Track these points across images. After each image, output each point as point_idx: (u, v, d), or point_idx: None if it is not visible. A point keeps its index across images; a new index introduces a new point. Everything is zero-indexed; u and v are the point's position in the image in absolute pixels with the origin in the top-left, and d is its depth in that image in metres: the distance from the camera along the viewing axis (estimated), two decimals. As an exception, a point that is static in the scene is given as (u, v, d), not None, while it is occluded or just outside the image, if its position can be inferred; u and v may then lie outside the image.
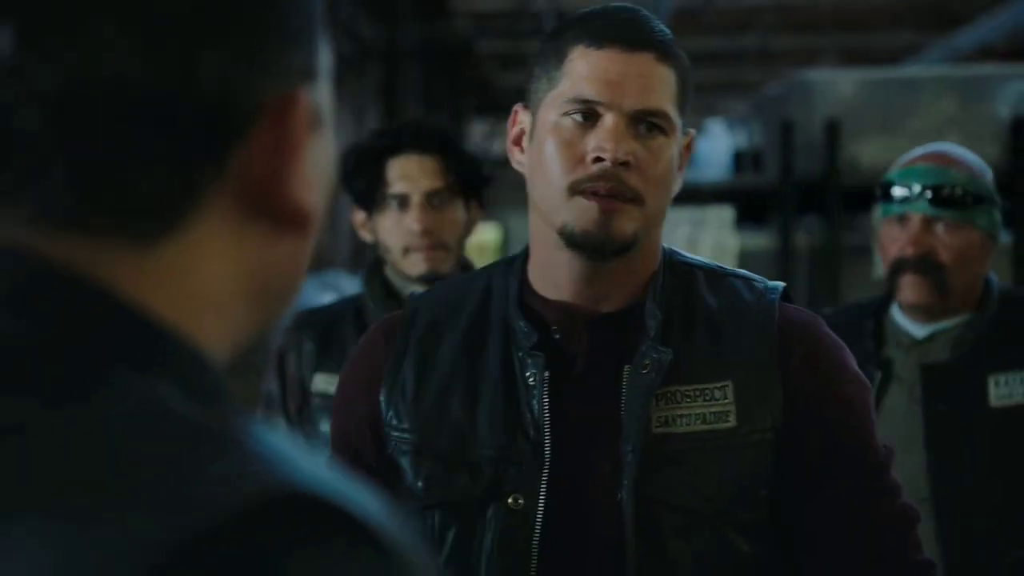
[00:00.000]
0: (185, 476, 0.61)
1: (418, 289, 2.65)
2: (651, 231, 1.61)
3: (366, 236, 2.75)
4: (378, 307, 2.70)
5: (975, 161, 2.60)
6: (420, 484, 1.63)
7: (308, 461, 0.65)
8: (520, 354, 1.62)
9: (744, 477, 1.57)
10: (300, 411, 2.72)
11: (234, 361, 0.75)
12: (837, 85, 6.33)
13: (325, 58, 0.77)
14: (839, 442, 1.61)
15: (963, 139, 4.81)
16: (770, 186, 6.71)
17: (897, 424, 2.51)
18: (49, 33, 0.67)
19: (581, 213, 1.56)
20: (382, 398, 1.66)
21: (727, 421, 1.58)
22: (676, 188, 1.64)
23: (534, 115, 1.63)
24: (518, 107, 1.67)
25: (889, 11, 11.58)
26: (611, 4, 1.65)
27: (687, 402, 1.59)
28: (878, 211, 2.62)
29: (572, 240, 1.58)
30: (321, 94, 0.75)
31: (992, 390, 2.51)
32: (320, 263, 9.73)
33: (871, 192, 2.74)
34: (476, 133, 18.16)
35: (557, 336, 1.63)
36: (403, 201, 2.64)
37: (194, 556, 0.58)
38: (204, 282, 0.71)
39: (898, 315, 2.64)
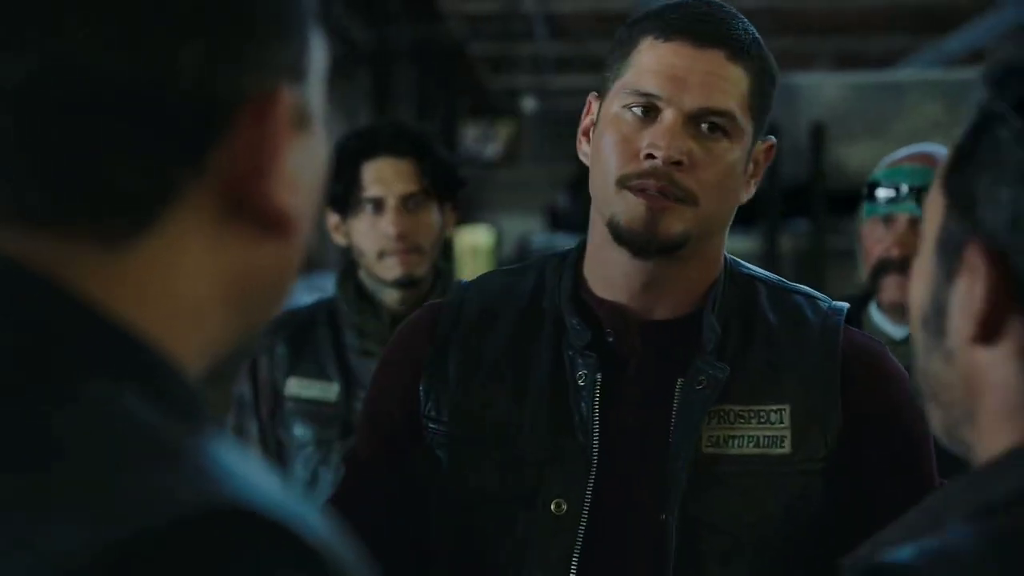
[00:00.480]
0: (124, 485, 0.61)
1: (393, 293, 2.67)
2: (709, 236, 1.56)
3: (339, 240, 2.74)
4: (351, 310, 2.69)
5: None
6: (458, 478, 1.58)
7: (261, 479, 0.64)
8: (571, 353, 1.57)
9: (793, 506, 1.52)
10: (273, 415, 2.71)
11: (215, 366, 0.73)
12: (822, 88, 6.33)
13: (319, 57, 0.75)
14: (897, 476, 1.55)
15: (948, 142, 4.79)
16: (756, 189, 6.71)
17: None
18: (16, 25, 0.65)
19: (628, 208, 1.52)
20: (422, 387, 1.61)
21: (781, 447, 1.53)
22: (744, 196, 1.59)
23: (601, 105, 1.59)
24: (592, 96, 1.62)
25: (882, 15, 11.60)
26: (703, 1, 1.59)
27: (741, 423, 1.53)
28: (862, 210, 2.61)
29: (618, 234, 1.54)
30: (311, 93, 0.74)
31: None
32: (309, 265, 9.72)
33: (857, 196, 2.73)
34: (469, 136, 18.16)
35: (610, 338, 1.58)
36: (378, 205, 2.63)
37: (115, 563, 0.58)
38: (179, 285, 0.69)
39: (876, 315, 2.62)
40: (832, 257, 6.32)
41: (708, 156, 1.52)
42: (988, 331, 0.81)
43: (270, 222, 0.71)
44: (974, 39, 10.13)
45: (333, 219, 2.72)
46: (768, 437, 1.53)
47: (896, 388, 1.58)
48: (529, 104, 16.26)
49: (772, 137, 1.61)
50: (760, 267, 1.58)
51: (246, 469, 0.64)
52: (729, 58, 1.53)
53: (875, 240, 2.57)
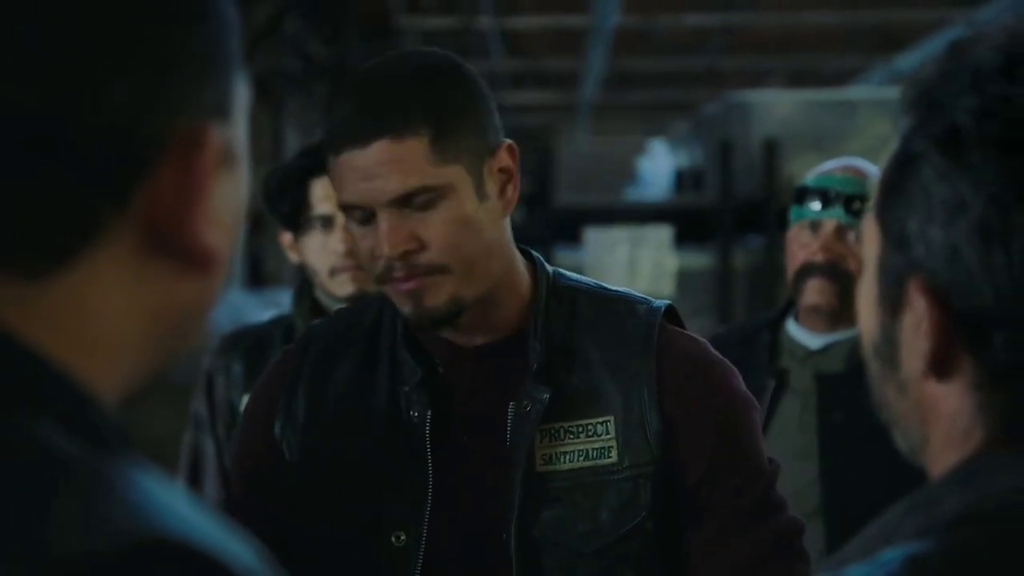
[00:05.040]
0: (45, 520, 0.60)
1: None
2: (484, 279, 1.58)
3: (294, 257, 2.74)
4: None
5: None
6: (307, 517, 1.63)
7: (185, 509, 0.64)
8: (406, 389, 1.62)
9: (628, 512, 1.57)
10: (229, 433, 2.70)
11: (131, 397, 0.73)
12: (775, 106, 6.38)
13: (243, 95, 0.75)
14: (718, 465, 1.59)
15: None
16: (710, 205, 6.76)
17: (790, 434, 2.55)
18: None
19: (396, 300, 1.58)
20: (276, 429, 1.66)
21: (609, 457, 1.58)
22: (505, 209, 1.60)
23: None
24: None
25: (835, 34, 11.69)
26: (363, 73, 1.61)
27: (570, 438, 1.58)
28: (790, 215, 2.65)
29: (405, 320, 1.61)
30: (235, 131, 0.74)
31: None
32: (266, 281, 9.70)
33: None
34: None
35: (441, 370, 1.63)
36: (327, 222, 2.63)
37: None
38: (98, 318, 0.69)
39: (793, 328, 2.66)
40: (785, 273, 6.36)
41: (431, 229, 1.55)
42: (938, 369, 0.82)
43: (195, 259, 0.71)
44: (925, 58, 10.23)
45: (286, 237, 2.72)
46: (596, 449, 1.58)
47: (708, 378, 1.62)
48: (485, 120, 16.23)
49: (506, 140, 1.60)
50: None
51: (171, 499, 0.64)
52: (394, 139, 1.54)
53: (801, 245, 2.60)
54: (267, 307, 5.65)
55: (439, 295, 1.56)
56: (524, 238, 1.75)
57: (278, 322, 2.79)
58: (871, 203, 0.88)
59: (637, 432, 1.58)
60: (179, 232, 0.70)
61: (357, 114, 1.56)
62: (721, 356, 1.67)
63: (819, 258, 2.56)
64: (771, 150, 6.29)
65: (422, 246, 1.55)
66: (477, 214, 1.58)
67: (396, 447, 1.61)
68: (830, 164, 2.67)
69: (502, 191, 1.60)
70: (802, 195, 2.62)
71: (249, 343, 2.73)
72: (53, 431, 0.65)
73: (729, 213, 6.54)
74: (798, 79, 12.85)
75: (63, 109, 0.66)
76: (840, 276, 2.56)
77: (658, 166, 7.43)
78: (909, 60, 10.71)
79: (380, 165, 1.54)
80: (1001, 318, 0.79)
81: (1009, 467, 0.80)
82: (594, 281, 1.70)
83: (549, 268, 1.67)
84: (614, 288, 1.69)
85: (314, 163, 2.65)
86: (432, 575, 1.58)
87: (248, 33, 8.52)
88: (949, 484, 0.81)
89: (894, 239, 0.83)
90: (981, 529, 0.77)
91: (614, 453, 1.58)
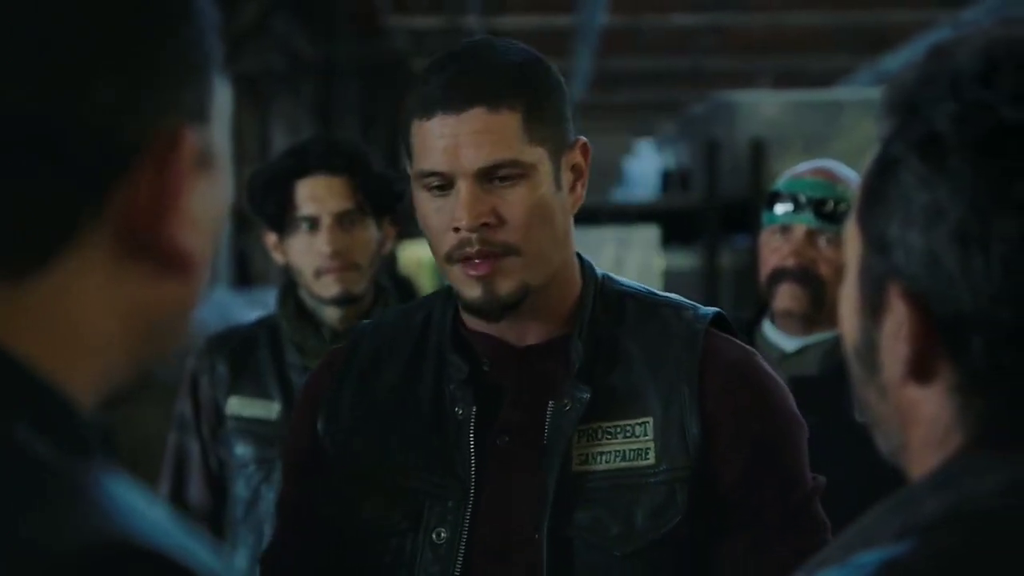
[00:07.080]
0: (17, 522, 0.61)
1: (333, 311, 2.68)
2: (546, 270, 1.60)
3: (279, 258, 2.73)
4: (292, 328, 2.68)
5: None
6: (351, 513, 1.64)
7: (155, 514, 0.64)
8: (452, 387, 1.63)
9: (663, 515, 1.56)
10: (214, 434, 2.70)
11: (114, 398, 0.73)
12: (762, 106, 6.39)
13: (222, 98, 0.75)
14: (751, 477, 1.58)
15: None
16: (696, 206, 6.77)
17: None
18: None
19: (462, 284, 1.58)
20: (319, 427, 1.67)
21: (646, 458, 1.57)
22: (572, 207, 1.62)
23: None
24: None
25: (822, 35, 11.72)
26: (454, 49, 1.62)
27: (607, 439, 1.58)
28: (762, 220, 2.66)
29: (464, 307, 1.61)
30: (214, 135, 0.74)
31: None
32: (254, 280, 9.69)
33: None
34: (413, 150, 18.13)
35: (487, 369, 1.64)
36: (312, 223, 2.62)
37: None
38: (76, 320, 0.70)
39: (769, 330, 2.67)
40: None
41: (511, 206, 1.56)
42: (918, 373, 0.83)
43: (171, 261, 0.72)
44: (912, 59, 10.25)
45: (271, 238, 2.71)
46: (633, 450, 1.57)
47: (753, 391, 1.60)
48: (473, 119, 16.24)
49: (580, 138, 1.63)
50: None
51: (141, 504, 0.65)
52: (490, 110, 1.55)
53: (772, 249, 2.62)
54: (254, 306, 5.64)
55: (509, 280, 1.57)
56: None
57: (263, 323, 2.79)
58: (852, 206, 0.88)
59: (675, 435, 1.57)
60: (155, 234, 0.70)
61: (454, 81, 1.57)
62: (770, 369, 1.65)
63: (790, 263, 2.57)
64: (758, 150, 6.31)
65: (500, 222, 1.56)
66: (553, 201, 1.59)
67: (440, 445, 1.61)
68: (801, 167, 2.68)
69: (572, 187, 1.62)
70: (773, 199, 2.63)
71: (234, 344, 2.73)
72: (31, 435, 0.65)
73: (715, 213, 6.56)
74: (785, 79, 12.87)
75: (63, 109, 0.67)
76: (811, 280, 2.57)
77: (645, 166, 7.46)
78: (896, 61, 10.74)
79: (473, 133, 1.55)
80: (979, 323, 0.80)
81: (987, 470, 0.80)
82: (643, 286, 1.69)
83: (599, 271, 1.67)
84: (662, 294, 1.68)
85: (300, 163, 2.64)
86: (471, 572, 1.58)
87: (235, 32, 8.52)
88: (928, 487, 0.82)
89: (875, 244, 0.84)
90: (959, 531, 0.78)
91: (652, 455, 1.57)
